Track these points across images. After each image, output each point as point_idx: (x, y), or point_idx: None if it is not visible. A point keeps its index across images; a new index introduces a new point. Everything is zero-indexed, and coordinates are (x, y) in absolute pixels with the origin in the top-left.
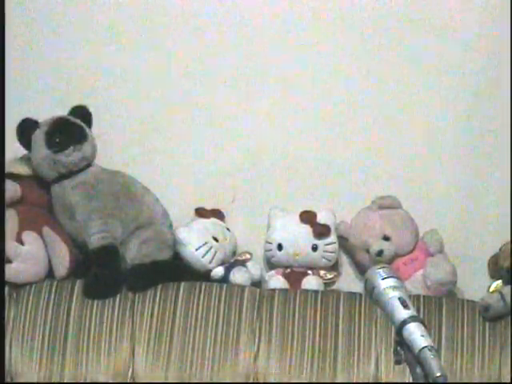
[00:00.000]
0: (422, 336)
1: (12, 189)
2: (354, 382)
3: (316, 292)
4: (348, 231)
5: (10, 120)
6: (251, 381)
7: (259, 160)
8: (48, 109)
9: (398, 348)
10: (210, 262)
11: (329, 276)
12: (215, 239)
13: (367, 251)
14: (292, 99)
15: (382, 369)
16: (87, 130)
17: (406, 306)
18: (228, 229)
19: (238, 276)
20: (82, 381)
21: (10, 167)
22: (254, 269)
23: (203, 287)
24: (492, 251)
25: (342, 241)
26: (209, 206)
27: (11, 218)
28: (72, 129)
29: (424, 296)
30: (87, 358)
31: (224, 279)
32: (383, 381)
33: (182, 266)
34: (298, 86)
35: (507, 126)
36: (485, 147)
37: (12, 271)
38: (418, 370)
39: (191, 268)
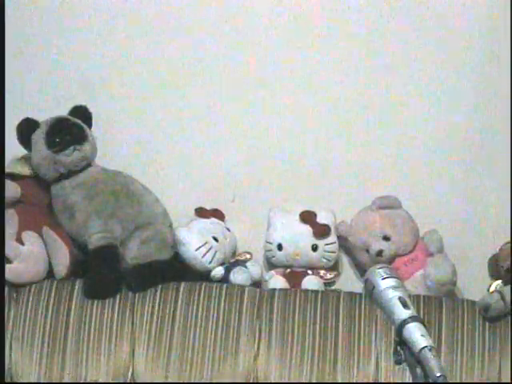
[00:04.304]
0: (422, 336)
1: (12, 189)
2: (354, 382)
3: (316, 292)
4: (348, 231)
5: (9, 120)
6: (251, 381)
7: (259, 160)
8: (48, 109)
9: (398, 348)
10: (210, 262)
11: (329, 276)
12: (215, 239)
13: (367, 251)
14: (292, 99)
15: (382, 369)
16: (87, 130)
17: (405, 306)
18: (228, 229)
19: (238, 276)
20: (82, 381)
21: (9, 167)
22: (254, 269)
23: (203, 287)
24: (492, 251)
25: (342, 241)
26: (209, 206)
27: (11, 217)
28: (72, 129)
29: (424, 296)
30: (87, 358)
31: (224, 279)
32: (383, 381)
33: (181, 266)
34: (298, 86)
35: (507, 125)
36: (485, 147)
37: (12, 271)
38: (418, 370)
39: (191, 268)
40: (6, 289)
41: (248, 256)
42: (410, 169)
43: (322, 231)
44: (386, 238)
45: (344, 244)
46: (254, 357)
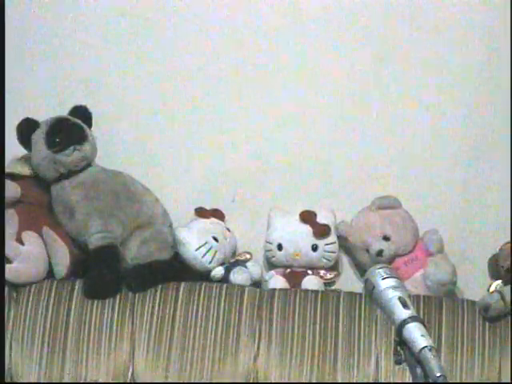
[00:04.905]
0: (422, 336)
1: (12, 189)
2: (354, 382)
3: (316, 292)
4: (348, 231)
5: (10, 120)
6: (251, 381)
7: (259, 160)
8: (48, 109)
9: (398, 348)
10: (210, 262)
11: (329, 276)
12: (215, 239)
13: (367, 251)
14: (292, 99)
15: (382, 369)
16: (87, 130)
17: (405, 306)
18: (228, 229)
19: (238, 276)
20: (82, 381)
21: (9, 167)
22: (254, 269)
23: (203, 287)
24: (492, 251)
25: (342, 241)
26: (209, 206)
27: (11, 217)
28: (72, 129)
29: (424, 296)
30: (87, 358)
31: (224, 279)
32: (383, 381)
33: (181, 266)
34: (298, 86)
35: (507, 125)
36: (485, 147)
37: (12, 271)
38: (418, 370)
39: (191, 268)
40: (6, 289)
41: (248, 256)
42: (409, 169)
43: (321, 231)
44: (386, 238)
45: (344, 244)
46: (254, 357)
